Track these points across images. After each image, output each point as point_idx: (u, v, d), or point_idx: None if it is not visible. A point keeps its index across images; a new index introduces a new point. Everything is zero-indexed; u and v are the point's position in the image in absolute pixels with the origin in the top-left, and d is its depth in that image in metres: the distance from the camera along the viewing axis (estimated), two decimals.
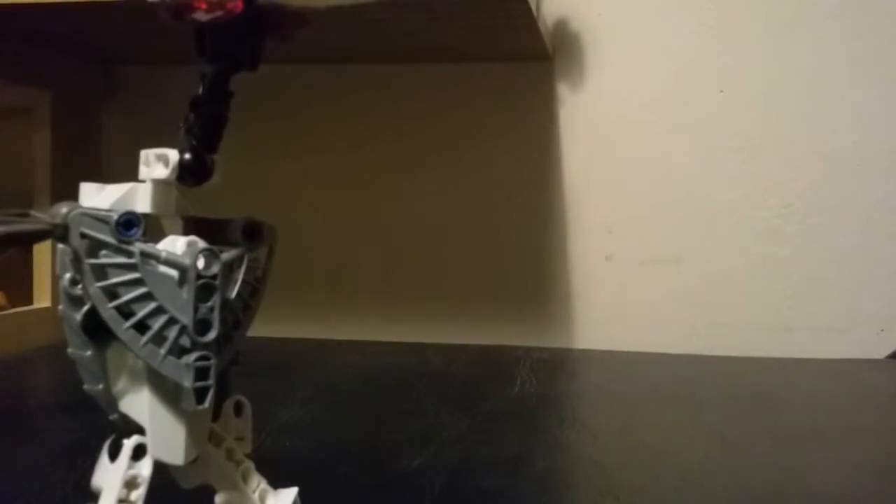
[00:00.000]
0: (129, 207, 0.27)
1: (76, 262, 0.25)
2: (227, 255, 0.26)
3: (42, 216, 0.24)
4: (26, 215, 0.24)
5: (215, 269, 0.26)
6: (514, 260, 0.98)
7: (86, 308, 0.25)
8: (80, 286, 0.25)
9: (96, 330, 0.26)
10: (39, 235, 0.24)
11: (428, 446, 0.56)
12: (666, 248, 0.95)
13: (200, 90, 0.25)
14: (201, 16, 0.23)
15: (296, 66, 0.97)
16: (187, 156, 0.26)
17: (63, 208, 0.25)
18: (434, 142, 0.99)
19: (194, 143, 0.26)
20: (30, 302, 0.95)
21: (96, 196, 0.28)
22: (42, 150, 0.95)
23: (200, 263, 0.25)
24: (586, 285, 0.97)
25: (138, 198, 0.27)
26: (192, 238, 0.26)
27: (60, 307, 0.27)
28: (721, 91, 0.93)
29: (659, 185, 0.95)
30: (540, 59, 0.95)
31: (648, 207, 0.95)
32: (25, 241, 0.24)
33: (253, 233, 0.28)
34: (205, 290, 0.25)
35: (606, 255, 0.96)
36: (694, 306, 0.94)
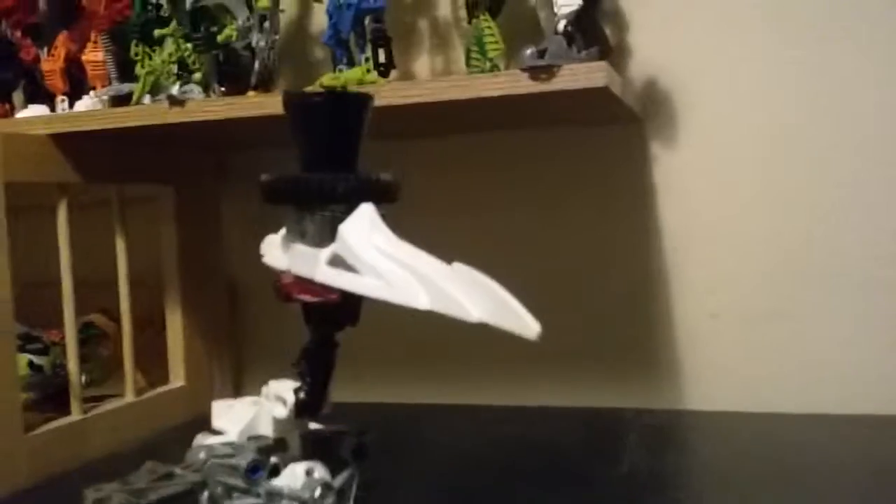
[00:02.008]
0: (255, 432, 0.31)
1: (214, 502, 0.29)
2: (339, 481, 0.30)
3: (183, 473, 0.28)
4: (171, 475, 0.28)
5: (330, 500, 0.29)
6: (617, 322, 0.99)
7: None
8: None
9: None
10: (186, 494, 0.28)
11: None
12: (773, 303, 0.93)
13: (310, 344, 0.29)
14: (308, 299, 0.26)
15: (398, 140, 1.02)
16: (302, 395, 0.30)
17: (201, 454, 0.29)
18: (532, 206, 1.02)
19: (307, 387, 0.30)
20: (166, 381, 1.03)
21: (226, 416, 0.32)
22: (168, 240, 1.03)
23: (317, 494, 0.29)
24: (692, 344, 0.97)
25: (261, 424, 0.31)
26: (310, 465, 0.30)
27: None
28: (824, 141, 0.91)
29: (761, 239, 0.94)
30: (631, 120, 0.96)
31: (752, 263, 0.94)
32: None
33: (361, 451, 0.31)
34: None
35: (711, 314, 0.96)
36: (801, 363, 0.92)
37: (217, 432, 0.32)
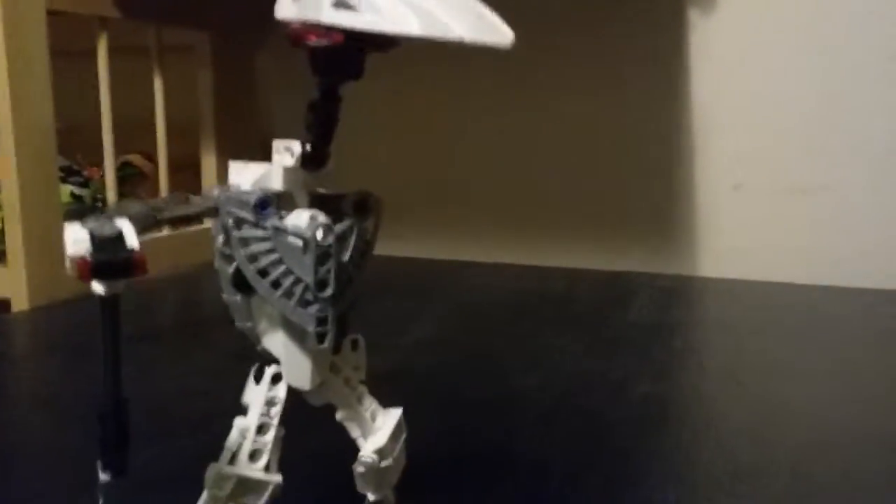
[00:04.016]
0: (265, 185, 0.33)
1: (226, 232, 0.32)
2: (339, 227, 0.33)
3: (199, 199, 0.31)
4: (186, 200, 0.31)
5: (330, 239, 0.32)
6: (642, 188, 1.00)
7: (233, 267, 0.33)
8: (228, 249, 0.33)
9: (242, 284, 0.33)
10: (200, 216, 0.31)
11: (541, 368, 0.62)
12: (797, 177, 0.94)
13: (316, 96, 0.31)
14: (314, 42, 0.29)
15: None
16: (308, 147, 0.32)
17: (215, 191, 0.32)
18: (565, 72, 1.02)
19: (312, 138, 0.32)
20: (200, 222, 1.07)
21: (241, 173, 0.35)
22: (204, 86, 1.06)
23: (319, 235, 0.32)
24: (713, 213, 0.98)
25: (273, 178, 0.34)
26: (314, 212, 0.33)
27: (215, 262, 0.34)
28: (866, 9, 0.89)
29: (792, 111, 0.93)
30: None
31: (780, 136, 0.94)
32: (191, 221, 0.31)
33: (362, 206, 0.34)
34: (323, 256, 0.32)
35: (734, 185, 0.97)
36: (821, 235, 0.93)
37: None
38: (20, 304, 0.79)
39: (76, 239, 0.26)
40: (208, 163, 1.06)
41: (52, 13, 0.82)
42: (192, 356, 0.65)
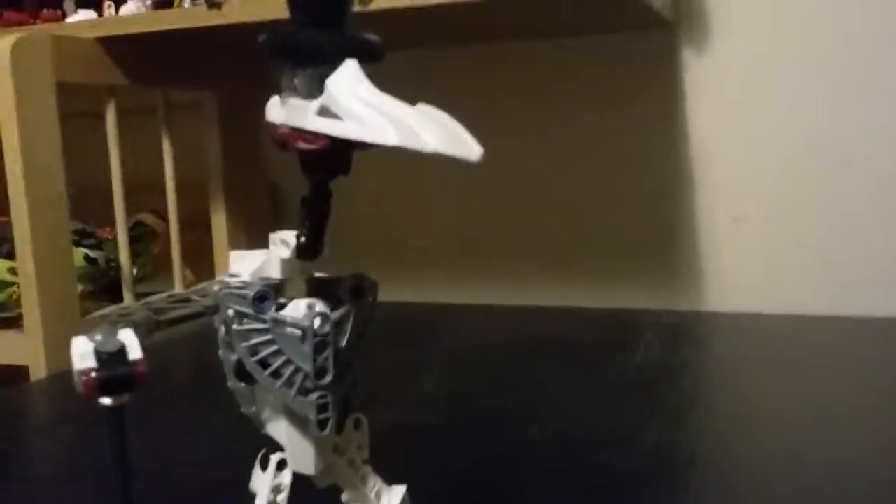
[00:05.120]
0: (264, 274, 0.35)
1: (226, 325, 0.33)
2: (336, 314, 0.34)
3: (199, 300, 0.33)
4: (188, 300, 0.32)
5: (327, 328, 0.33)
6: (642, 223, 1.01)
7: (235, 359, 0.34)
8: (230, 340, 0.34)
9: (245, 374, 0.34)
10: (201, 315, 0.33)
11: (544, 417, 0.62)
12: (797, 207, 0.95)
13: (308, 193, 0.33)
14: (301, 146, 0.30)
15: (421, 49, 1.04)
16: (303, 240, 0.34)
17: (215, 287, 0.33)
18: (560, 114, 1.03)
19: (306, 231, 0.33)
20: (213, 276, 1.09)
21: (241, 263, 0.36)
22: (212, 144, 1.08)
23: (316, 324, 0.33)
24: (716, 247, 0.99)
25: (271, 266, 0.35)
26: (312, 301, 0.34)
27: (220, 352, 0.36)
28: (855, 47, 0.91)
29: (789, 145, 0.94)
30: (662, 27, 0.96)
31: (779, 168, 0.95)
32: (190, 320, 0.32)
33: (358, 291, 0.35)
34: (320, 344, 0.33)
35: (736, 217, 0.97)
36: (826, 265, 0.94)
37: (234, 277, 0.36)
38: (38, 371, 0.81)
39: (82, 354, 0.28)
40: (219, 219, 1.08)
41: (61, 84, 0.85)
42: (204, 420, 0.66)
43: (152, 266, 1.08)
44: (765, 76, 0.94)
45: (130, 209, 0.98)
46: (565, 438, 0.58)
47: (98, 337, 0.28)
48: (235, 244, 1.09)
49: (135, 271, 0.98)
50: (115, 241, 0.99)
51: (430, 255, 1.08)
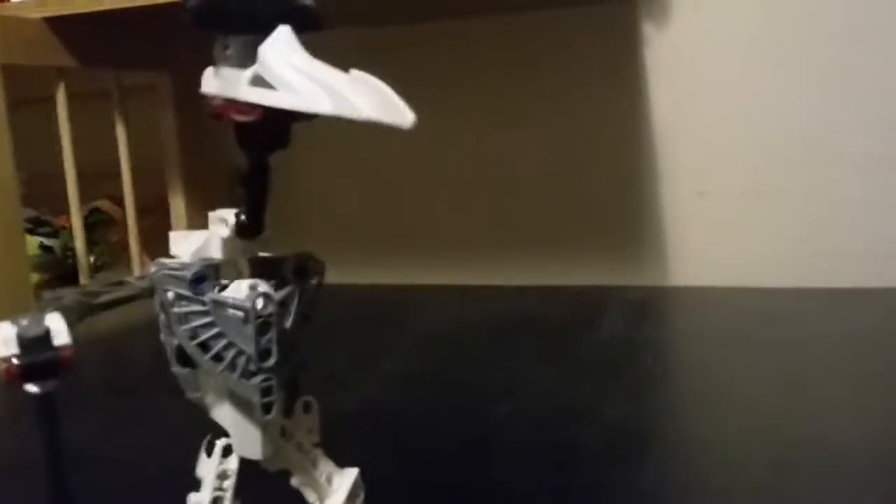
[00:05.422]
0: (205, 255, 0.33)
1: (164, 308, 0.32)
2: (280, 294, 0.33)
3: (134, 282, 0.31)
4: (122, 283, 0.31)
5: (270, 308, 0.32)
6: (606, 201, 1.01)
7: (175, 343, 0.32)
8: (169, 324, 0.33)
9: (187, 358, 0.33)
10: (135, 298, 0.31)
11: (512, 397, 0.62)
12: (761, 181, 0.95)
13: (244, 169, 0.31)
14: (236, 117, 0.29)
15: (377, 28, 1.02)
16: (242, 218, 0.32)
17: (152, 268, 0.32)
18: (521, 89, 1.02)
19: (246, 209, 0.32)
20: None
21: (181, 244, 0.35)
22: (168, 126, 1.05)
23: (259, 305, 0.32)
24: (680, 222, 0.98)
25: (212, 247, 0.34)
26: (254, 281, 0.33)
27: (161, 336, 0.34)
28: (818, 15, 0.90)
29: (753, 117, 0.94)
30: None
31: (742, 142, 0.95)
32: (125, 303, 0.31)
33: (302, 270, 0.34)
34: (264, 326, 0.32)
35: (699, 191, 0.97)
36: (789, 238, 0.94)
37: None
38: None
39: (5, 339, 0.26)
40: (177, 203, 1.06)
41: (6, 66, 0.82)
42: (163, 408, 0.65)
43: (110, 254, 1.06)
44: (729, 51, 0.94)
45: (87, 196, 0.95)
46: (530, 416, 0.58)
47: (23, 322, 0.27)
48: (195, 228, 1.07)
49: (92, 259, 0.96)
50: (71, 229, 0.96)
51: (401, 238, 1.07)
